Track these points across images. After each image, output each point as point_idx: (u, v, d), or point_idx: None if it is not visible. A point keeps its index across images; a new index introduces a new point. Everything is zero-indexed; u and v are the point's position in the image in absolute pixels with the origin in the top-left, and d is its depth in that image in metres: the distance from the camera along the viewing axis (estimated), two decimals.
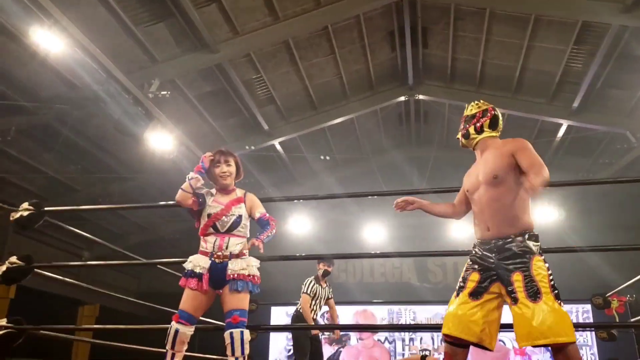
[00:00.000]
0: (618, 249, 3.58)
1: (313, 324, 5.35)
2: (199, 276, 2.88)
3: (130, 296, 8.74)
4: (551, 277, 2.52)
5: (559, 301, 2.44)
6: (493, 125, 2.82)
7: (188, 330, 2.90)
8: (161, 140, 7.02)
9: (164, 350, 4.80)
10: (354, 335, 11.44)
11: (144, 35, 6.69)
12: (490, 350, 2.56)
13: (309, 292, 5.38)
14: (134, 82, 6.58)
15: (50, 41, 5.21)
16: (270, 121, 9.34)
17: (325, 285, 5.58)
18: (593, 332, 8.46)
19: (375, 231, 10.68)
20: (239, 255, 2.95)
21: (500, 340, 10.96)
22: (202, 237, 3.00)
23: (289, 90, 8.86)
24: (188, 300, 2.88)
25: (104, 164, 8.99)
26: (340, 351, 11.51)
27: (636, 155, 8.32)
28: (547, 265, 2.53)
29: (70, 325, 5.36)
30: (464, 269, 2.67)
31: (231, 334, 2.87)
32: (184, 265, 2.94)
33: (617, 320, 5.25)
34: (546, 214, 10.03)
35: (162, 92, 6.96)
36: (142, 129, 6.78)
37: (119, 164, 9.14)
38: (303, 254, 4.35)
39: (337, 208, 11.41)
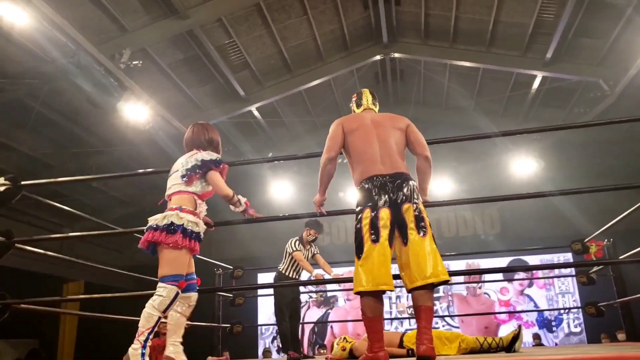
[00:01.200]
0: (585, 191, 3.66)
1: (313, 271, 5.37)
2: (201, 240, 2.86)
3: (114, 270, 8.74)
4: None
5: None
6: (358, 105, 3.19)
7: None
8: (136, 111, 6.90)
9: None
10: (341, 297, 11.66)
11: (112, 4, 6.50)
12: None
13: (299, 248, 5.43)
14: (104, 53, 6.42)
15: (14, 14, 5.02)
16: (246, 87, 9.23)
17: (308, 246, 5.62)
18: (574, 279, 8.72)
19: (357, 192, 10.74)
20: None
21: (485, 293, 11.27)
22: (201, 201, 2.93)
23: (263, 54, 8.74)
24: (187, 263, 2.79)
25: (79, 139, 8.83)
26: (329, 313, 11.74)
27: (610, 103, 8.43)
28: None
29: (54, 308, 5.36)
30: None
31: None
32: (187, 227, 2.74)
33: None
34: (525, 166, 10.19)
35: (134, 62, 6.79)
36: (115, 101, 6.66)
37: (94, 138, 8.98)
38: (286, 215, 4.37)
39: (318, 172, 11.42)
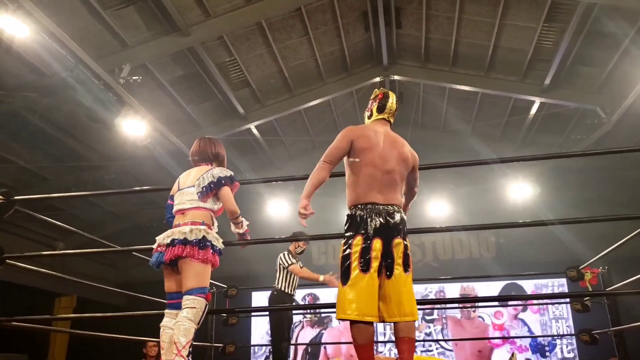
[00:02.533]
0: (584, 221, 3.66)
1: (320, 276, 5.31)
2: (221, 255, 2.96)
3: (108, 286, 8.66)
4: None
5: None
6: (380, 109, 3.03)
7: None
8: (134, 127, 6.89)
9: (144, 339, 4.77)
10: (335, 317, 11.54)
11: (113, 19, 6.53)
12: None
13: (293, 261, 5.38)
14: (104, 67, 6.42)
15: (15, 26, 5.01)
16: (246, 105, 9.25)
17: (297, 260, 5.57)
18: (568, 305, 8.67)
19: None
20: None
21: (479, 317, 11.19)
22: (215, 219, 3.02)
23: (264, 72, 8.78)
24: (209, 276, 2.88)
25: (76, 153, 8.80)
26: (323, 333, 11.61)
27: (606, 131, 8.47)
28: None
29: (45, 326, 5.26)
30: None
31: None
32: (214, 243, 2.86)
33: (590, 288, 5.39)
34: (521, 190, 10.20)
35: (134, 77, 6.80)
36: (114, 116, 6.65)
37: (91, 152, 8.96)
38: (283, 237, 4.37)
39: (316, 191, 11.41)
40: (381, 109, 3.02)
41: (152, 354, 5.97)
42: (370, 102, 3.10)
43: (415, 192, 3.07)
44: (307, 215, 2.83)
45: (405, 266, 2.65)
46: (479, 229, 3.42)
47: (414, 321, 2.62)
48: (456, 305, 9.57)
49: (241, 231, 3.09)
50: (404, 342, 2.54)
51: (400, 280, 2.61)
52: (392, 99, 3.05)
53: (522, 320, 11.05)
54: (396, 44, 9.14)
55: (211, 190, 2.92)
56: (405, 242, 2.70)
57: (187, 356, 2.61)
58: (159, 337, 2.82)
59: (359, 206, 2.72)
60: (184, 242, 2.75)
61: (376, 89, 3.18)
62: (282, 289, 5.34)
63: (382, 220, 2.65)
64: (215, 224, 2.99)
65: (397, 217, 2.70)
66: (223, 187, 2.95)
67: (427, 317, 11.15)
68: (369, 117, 3.07)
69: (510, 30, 7.92)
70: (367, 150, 2.79)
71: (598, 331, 5.18)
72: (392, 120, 3.05)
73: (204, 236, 2.79)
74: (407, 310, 2.57)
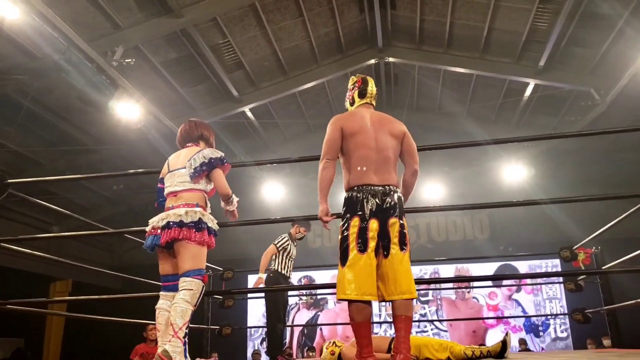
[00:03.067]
0: (574, 200, 3.68)
1: (264, 269, 5.32)
2: (216, 236, 2.94)
3: (103, 269, 8.67)
4: None
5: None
6: (361, 94, 3.06)
7: None
8: (127, 110, 6.85)
9: (139, 321, 4.79)
10: (331, 299, 11.63)
11: (105, 1, 6.45)
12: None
13: (278, 245, 5.36)
14: (96, 50, 6.36)
15: (5, 8, 4.94)
16: (240, 87, 9.20)
17: (296, 244, 5.59)
18: (562, 285, 8.75)
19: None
20: None
21: (473, 297, 11.30)
22: (208, 200, 3.01)
23: (258, 55, 8.71)
24: (205, 258, 2.87)
25: (69, 136, 8.75)
26: (319, 315, 11.71)
27: (600, 112, 8.49)
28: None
29: (40, 309, 5.28)
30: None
31: None
32: (210, 225, 2.85)
33: (583, 268, 5.44)
34: (516, 173, 10.25)
35: (127, 60, 6.75)
36: (107, 99, 6.60)
37: (84, 136, 8.90)
38: (278, 218, 4.40)
39: (310, 173, 11.42)
40: (362, 94, 3.06)
41: (152, 338, 5.99)
42: (349, 90, 3.14)
43: (414, 169, 2.96)
44: (329, 220, 2.87)
45: (402, 245, 2.67)
46: (471, 208, 3.43)
47: (412, 299, 2.65)
48: (451, 285, 9.65)
49: (231, 208, 3.07)
50: (401, 320, 2.59)
51: (397, 259, 2.64)
52: (372, 83, 3.10)
53: (516, 301, 11.17)
54: (391, 25, 9.08)
55: (203, 171, 2.90)
56: (401, 222, 2.72)
57: (184, 337, 2.61)
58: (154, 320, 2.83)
59: (355, 188, 2.76)
60: (180, 224, 2.74)
61: (352, 77, 3.21)
62: (278, 270, 5.35)
63: (377, 201, 2.69)
64: (209, 205, 2.99)
65: (393, 197, 2.73)
66: (215, 168, 2.94)
67: (422, 299, 11.26)
68: (352, 104, 3.11)
69: (505, 11, 7.88)
70: (358, 133, 2.84)
71: (591, 310, 5.25)
72: (374, 104, 3.09)
73: (200, 218, 2.79)
74: (404, 288, 2.61)
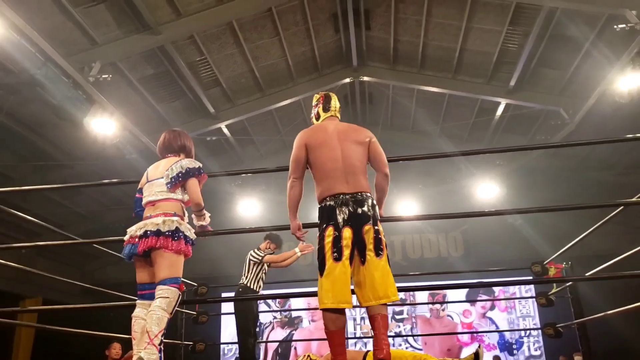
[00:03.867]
0: (534, 211, 3.79)
1: (295, 253, 5.35)
2: (193, 245, 2.95)
3: (74, 288, 8.52)
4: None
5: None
6: (325, 109, 3.18)
7: None
8: (103, 126, 6.80)
9: (111, 335, 4.73)
10: (305, 318, 11.60)
11: (83, 17, 6.44)
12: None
13: (264, 254, 5.39)
14: (73, 65, 6.33)
15: None
16: (216, 104, 9.24)
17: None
18: (535, 302, 8.89)
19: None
20: None
21: (448, 315, 11.39)
22: (185, 210, 3.03)
23: (235, 72, 8.78)
24: (182, 267, 2.88)
25: (43, 152, 8.63)
26: (293, 334, 11.65)
27: (570, 131, 8.74)
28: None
29: (10, 320, 5.15)
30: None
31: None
32: (187, 234, 2.87)
33: (555, 287, 5.59)
34: (488, 191, 10.45)
35: (104, 76, 6.74)
36: (82, 114, 6.54)
37: (58, 151, 8.79)
38: (252, 227, 4.42)
39: (286, 191, 11.44)
40: (326, 108, 3.17)
41: (114, 357, 5.83)
42: (313, 107, 3.24)
43: (384, 173, 3.00)
44: (303, 234, 3.02)
45: (377, 251, 2.71)
46: (439, 218, 3.52)
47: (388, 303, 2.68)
48: (426, 301, 9.73)
49: (204, 223, 3.12)
50: (376, 319, 2.64)
51: (373, 265, 2.68)
52: (335, 98, 3.23)
53: (490, 319, 11.30)
54: (365, 45, 9.26)
55: (179, 181, 2.94)
56: (376, 227, 2.77)
57: (159, 345, 2.62)
58: (125, 337, 2.83)
59: (327, 198, 2.82)
60: (157, 233, 2.76)
61: (316, 94, 3.32)
62: (247, 284, 5.35)
63: (350, 209, 2.75)
64: (186, 214, 3.02)
65: (365, 204, 2.78)
66: (190, 178, 2.98)
67: (397, 317, 11.30)
68: (317, 119, 3.20)
69: (476, 33, 8.11)
70: (321, 145, 2.92)
71: (562, 324, 5.37)
72: (339, 116, 3.19)
73: (177, 227, 2.82)
74: (380, 293, 2.65)
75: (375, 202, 2.89)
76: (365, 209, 2.77)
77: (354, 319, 11.20)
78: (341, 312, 2.67)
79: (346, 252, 2.68)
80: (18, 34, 5.33)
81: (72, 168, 9.19)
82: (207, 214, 3.11)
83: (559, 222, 9.35)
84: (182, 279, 5.72)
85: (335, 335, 2.64)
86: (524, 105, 9.33)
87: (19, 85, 6.59)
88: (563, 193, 10.44)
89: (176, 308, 2.76)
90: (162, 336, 2.64)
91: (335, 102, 3.19)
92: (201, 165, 3.07)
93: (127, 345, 5.95)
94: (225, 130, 10.01)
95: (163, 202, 2.90)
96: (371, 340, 2.69)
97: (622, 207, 3.59)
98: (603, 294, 6.46)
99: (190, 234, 2.90)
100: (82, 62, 6.69)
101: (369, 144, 2.99)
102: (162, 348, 2.67)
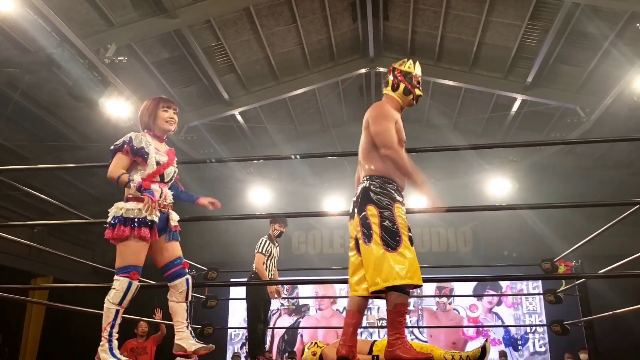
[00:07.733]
0: (546, 206, 3.77)
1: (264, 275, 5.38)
2: (150, 225, 2.72)
3: (84, 268, 8.60)
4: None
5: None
6: (407, 92, 3.10)
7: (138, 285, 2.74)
8: (117, 108, 6.83)
9: (126, 316, 4.78)
10: (312, 306, 11.65)
11: None
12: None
13: (263, 251, 5.41)
14: (89, 46, 6.34)
15: None
16: (231, 90, 9.23)
17: (277, 244, 5.64)
18: (542, 299, 8.86)
19: (335, 202, 10.80)
20: (171, 207, 2.93)
21: (454, 309, 11.38)
22: (144, 184, 2.77)
23: (250, 58, 8.76)
24: (140, 251, 2.68)
25: (57, 132, 8.70)
26: (300, 321, 11.71)
27: (585, 129, 8.65)
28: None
29: (22, 296, 5.22)
30: (405, 216, 2.77)
31: (187, 280, 2.86)
32: (129, 215, 2.67)
33: (564, 284, 5.54)
34: (500, 187, 10.38)
35: (119, 58, 6.74)
36: (97, 96, 6.57)
37: (73, 132, 8.86)
38: (263, 214, 4.41)
39: (297, 180, 11.46)
40: (407, 91, 3.05)
41: (142, 333, 6.29)
42: (405, 75, 3.06)
43: (383, 155, 2.79)
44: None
45: (366, 237, 2.64)
46: (450, 211, 3.47)
47: (390, 291, 2.61)
48: (432, 294, 9.73)
49: (132, 191, 2.77)
50: (387, 314, 2.69)
51: (365, 253, 2.65)
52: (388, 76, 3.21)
53: (497, 314, 11.27)
54: (383, 36, 9.19)
55: (110, 161, 2.85)
56: (363, 213, 2.68)
57: (108, 336, 2.58)
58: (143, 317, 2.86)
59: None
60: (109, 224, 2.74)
61: (416, 72, 3.08)
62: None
63: (353, 199, 2.80)
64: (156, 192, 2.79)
65: (357, 190, 2.80)
66: (115, 154, 2.85)
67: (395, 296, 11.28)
68: (401, 91, 3.07)
69: (495, 27, 8.02)
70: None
71: (569, 322, 5.34)
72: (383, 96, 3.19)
73: (113, 216, 2.73)
74: (376, 279, 2.59)
75: (368, 184, 2.74)
76: (356, 196, 2.79)
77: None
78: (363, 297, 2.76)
79: (351, 243, 2.79)
80: (35, 12, 5.35)
81: (86, 149, 9.24)
82: (133, 183, 2.75)
83: (572, 220, 9.27)
84: (192, 264, 5.75)
85: (348, 316, 2.75)
86: (541, 102, 9.23)
87: (34, 65, 6.62)
88: (576, 191, 10.35)
89: (131, 297, 2.65)
90: (111, 328, 2.59)
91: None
92: (130, 136, 2.86)
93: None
94: (239, 117, 10.01)
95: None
96: (377, 330, 2.72)
97: (637, 207, 3.55)
98: (611, 294, 6.43)
99: (138, 214, 2.69)
100: (98, 43, 6.70)
101: (368, 126, 2.90)
102: (112, 339, 2.59)
